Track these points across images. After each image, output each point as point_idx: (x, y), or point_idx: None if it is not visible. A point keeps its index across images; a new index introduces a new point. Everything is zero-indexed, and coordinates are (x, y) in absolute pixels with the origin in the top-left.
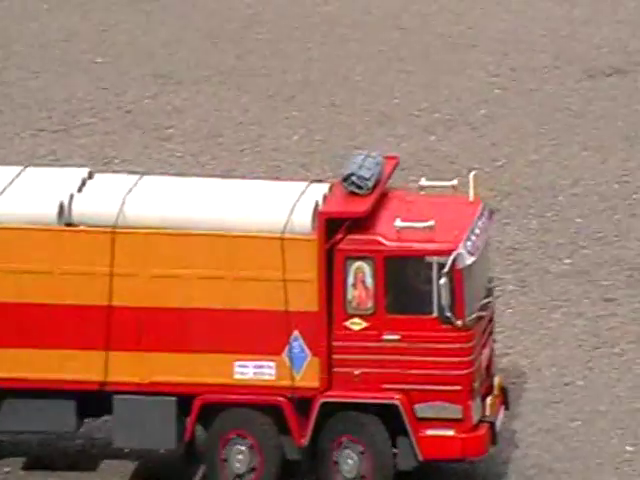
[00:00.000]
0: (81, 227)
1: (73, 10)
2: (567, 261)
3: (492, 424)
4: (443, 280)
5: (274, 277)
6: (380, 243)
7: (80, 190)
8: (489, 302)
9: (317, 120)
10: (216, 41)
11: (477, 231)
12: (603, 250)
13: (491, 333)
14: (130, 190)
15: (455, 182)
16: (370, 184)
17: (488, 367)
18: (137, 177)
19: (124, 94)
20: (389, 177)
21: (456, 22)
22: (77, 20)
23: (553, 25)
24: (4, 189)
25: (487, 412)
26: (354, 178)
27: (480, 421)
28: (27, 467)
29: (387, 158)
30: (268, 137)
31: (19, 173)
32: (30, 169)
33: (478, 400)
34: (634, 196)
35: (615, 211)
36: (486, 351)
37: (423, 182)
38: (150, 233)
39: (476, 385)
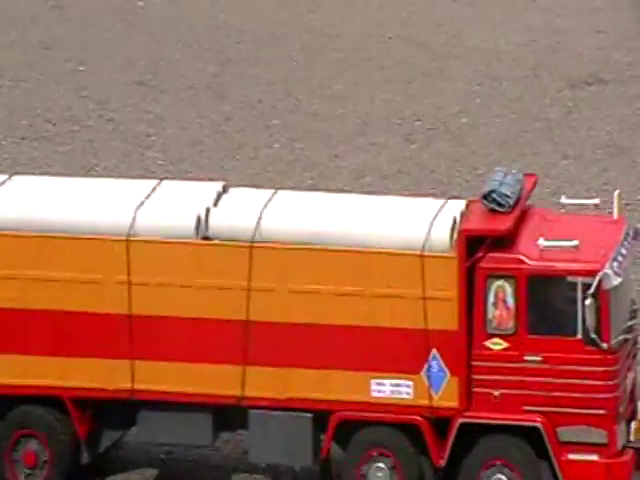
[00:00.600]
0: (217, 241)
1: (54, 18)
2: None
3: (638, 450)
4: (589, 301)
5: (413, 295)
6: (523, 262)
7: (216, 204)
8: (634, 324)
9: (297, 128)
10: (198, 50)
11: (623, 251)
12: None
13: (635, 356)
14: (266, 204)
15: (597, 201)
16: (511, 201)
17: (632, 391)
18: (272, 191)
19: (106, 102)
20: (529, 195)
21: (438, 32)
22: (59, 28)
23: (534, 35)
24: (142, 203)
25: (631, 437)
26: (495, 195)
27: (624, 447)
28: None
29: (526, 175)
30: (249, 145)
31: (155, 187)
32: (166, 182)
33: (623, 425)
34: None
35: None
36: (630, 374)
37: (564, 200)
38: (289, 248)
39: (621, 409)
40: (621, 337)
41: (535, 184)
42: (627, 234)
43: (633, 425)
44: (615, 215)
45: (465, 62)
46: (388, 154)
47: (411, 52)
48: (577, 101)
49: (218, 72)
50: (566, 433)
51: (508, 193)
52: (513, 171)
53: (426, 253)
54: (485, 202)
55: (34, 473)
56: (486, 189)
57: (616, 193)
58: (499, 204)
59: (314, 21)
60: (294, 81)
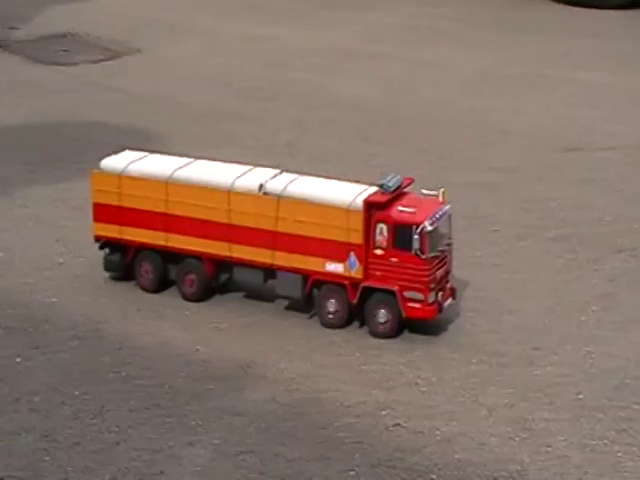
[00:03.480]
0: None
1: None
2: None
3: (440, 304)
4: (416, 236)
5: (344, 227)
6: (390, 216)
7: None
8: (445, 249)
9: None
10: None
11: (437, 215)
12: None
13: (444, 261)
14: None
15: (435, 192)
16: (390, 190)
17: (442, 278)
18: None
19: None
20: (405, 187)
21: None
22: None
23: None
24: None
25: (439, 299)
26: (383, 186)
27: (434, 302)
28: None
29: (406, 178)
30: None
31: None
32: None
33: (434, 293)
34: None
35: None
36: (442, 269)
37: (423, 191)
38: (292, 201)
39: (432, 286)
40: (432, 254)
41: (411, 182)
42: (443, 208)
43: (440, 295)
44: (440, 198)
45: None
46: None
47: None
48: None
49: None
50: (407, 293)
51: (390, 185)
52: (397, 176)
53: (350, 209)
54: (379, 188)
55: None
56: (380, 182)
57: (441, 190)
58: (384, 190)
59: None
60: None
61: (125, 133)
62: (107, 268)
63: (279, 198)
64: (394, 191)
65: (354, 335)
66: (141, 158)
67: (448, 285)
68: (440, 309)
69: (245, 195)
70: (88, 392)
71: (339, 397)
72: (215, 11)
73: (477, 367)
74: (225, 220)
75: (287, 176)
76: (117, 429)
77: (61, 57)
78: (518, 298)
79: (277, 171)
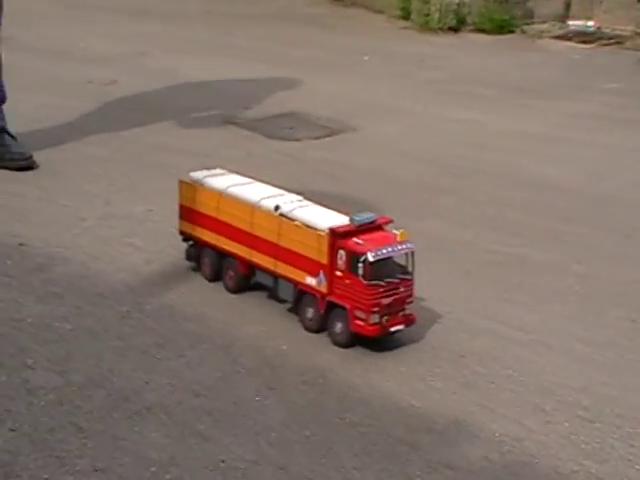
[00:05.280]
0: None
1: None
2: None
3: (384, 326)
4: (360, 265)
5: (316, 248)
6: (346, 244)
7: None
8: (395, 279)
9: None
10: None
11: (384, 250)
12: None
13: (396, 289)
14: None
15: (398, 232)
16: (356, 224)
17: (392, 304)
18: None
19: None
20: (380, 225)
21: None
22: None
23: None
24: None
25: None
26: (350, 220)
27: (378, 323)
28: None
29: (381, 217)
30: None
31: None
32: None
33: (378, 316)
34: None
35: None
36: (392, 297)
37: (394, 230)
38: (280, 217)
39: (375, 309)
40: (375, 282)
41: (387, 222)
42: (400, 244)
43: (385, 319)
44: (398, 236)
45: None
46: None
47: None
48: None
49: None
50: (356, 312)
51: (357, 219)
52: (371, 214)
53: (321, 234)
54: (349, 221)
55: (230, 282)
56: (350, 217)
57: (401, 230)
58: (352, 223)
59: None
60: None
61: (341, 202)
62: (187, 258)
63: (282, 218)
64: (360, 226)
65: (564, 405)
66: (219, 175)
67: (401, 313)
68: (383, 332)
69: (263, 212)
70: (316, 433)
71: (551, 463)
72: (417, 96)
73: None
74: (249, 230)
75: (302, 203)
76: (342, 470)
77: (286, 133)
78: None
79: (299, 198)
